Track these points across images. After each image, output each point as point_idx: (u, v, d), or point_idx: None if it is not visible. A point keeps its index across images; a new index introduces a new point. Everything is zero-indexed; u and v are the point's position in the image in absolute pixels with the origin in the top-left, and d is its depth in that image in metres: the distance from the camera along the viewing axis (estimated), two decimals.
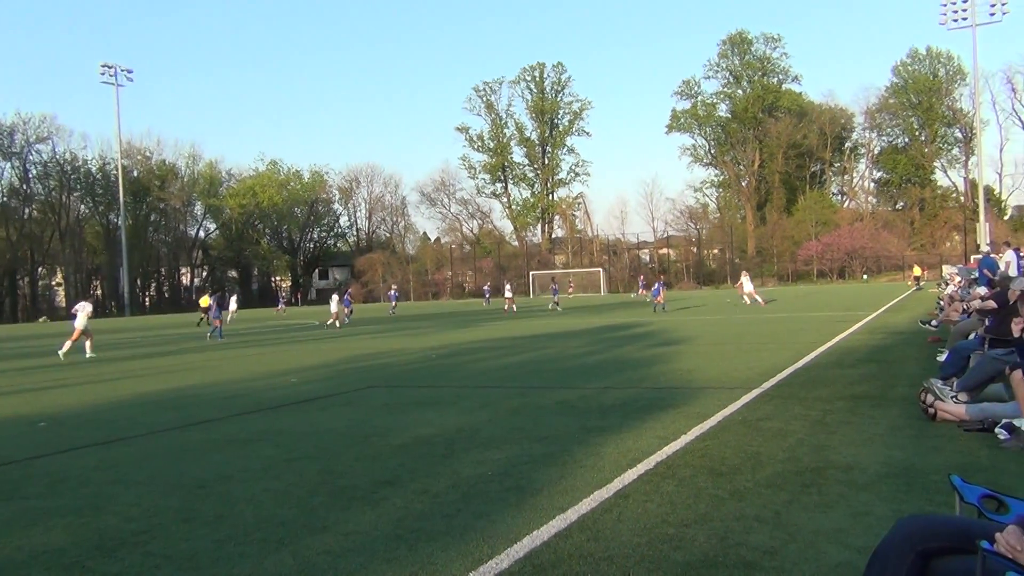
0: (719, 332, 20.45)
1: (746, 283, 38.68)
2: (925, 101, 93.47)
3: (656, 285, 37.74)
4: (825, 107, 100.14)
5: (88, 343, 21.82)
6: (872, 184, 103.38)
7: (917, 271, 60.63)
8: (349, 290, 45.69)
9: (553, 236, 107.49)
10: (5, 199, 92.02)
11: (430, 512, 4.95)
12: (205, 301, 46.61)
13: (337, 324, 33.09)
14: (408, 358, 16.83)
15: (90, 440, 8.30)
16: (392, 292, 52.39)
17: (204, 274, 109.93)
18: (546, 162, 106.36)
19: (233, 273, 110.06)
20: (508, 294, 46.89)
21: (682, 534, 4.29)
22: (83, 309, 22.41)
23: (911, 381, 9.59)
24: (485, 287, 60.08)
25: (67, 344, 21.49)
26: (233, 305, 50.13)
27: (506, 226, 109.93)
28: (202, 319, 42.62)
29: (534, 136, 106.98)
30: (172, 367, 17.41)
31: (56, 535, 4.88)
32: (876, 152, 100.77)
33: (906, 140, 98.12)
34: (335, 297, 34.68)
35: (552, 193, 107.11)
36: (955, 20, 65.19)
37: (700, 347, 16.23)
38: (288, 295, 68.22)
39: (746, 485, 5.23)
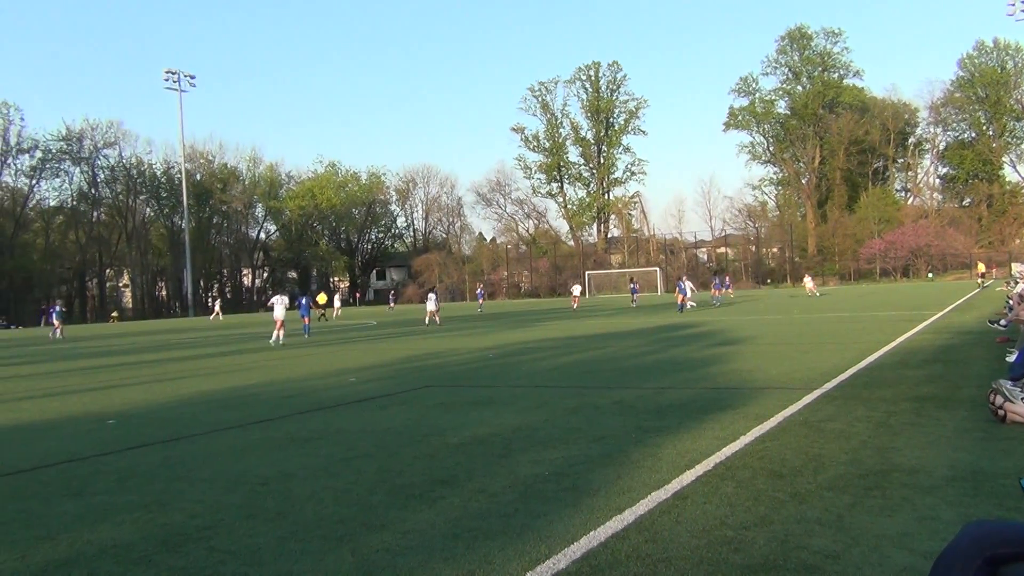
0: (779, 332, 20.16)
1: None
2: (993, 94, 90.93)
3: (679, 283, 38.10)
4: (888, 102, 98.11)
5: (279, 333, 24.96)
6: (937, 180, 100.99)
7: (981, 268, 59.10)
8: (436, 289, 50.37)
9: (609, 236, 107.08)
10: (75, 203, 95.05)
11: (487, 511, 4.97)
12: (323, 298, 51.69)
13: (437, 320, 34.34)
14: (465, 358, 16.92)
15: (156, 438, 8.52)
16: (479, 291, 58.53)
17: (265, 275, 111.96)
18: (602, 161, 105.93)
19: (293, 274, 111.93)
20: (575, 292, 50.68)
21: (741, 536, 4.24)
22: (280, 302, 25.82)
23: (979, 382, 9.34)
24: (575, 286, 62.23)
25: (277, 333, 24.85)
26: (337, 303, 54.59)
27: (562, 226, 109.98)
28: (322, 315, 46.30)
29: (589, 135, 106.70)
30: (234, 367, 17.75)
31: (124, 530, 5.01)
32: (941, 147, 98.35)
33: (973, 135, 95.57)
34: (432, 296, 35.75)
35: (608, 192, 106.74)
36: (1023, 10, 63.32)
37: (759, 347, 16.02)
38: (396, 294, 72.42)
39: (807, 487, 5.15)
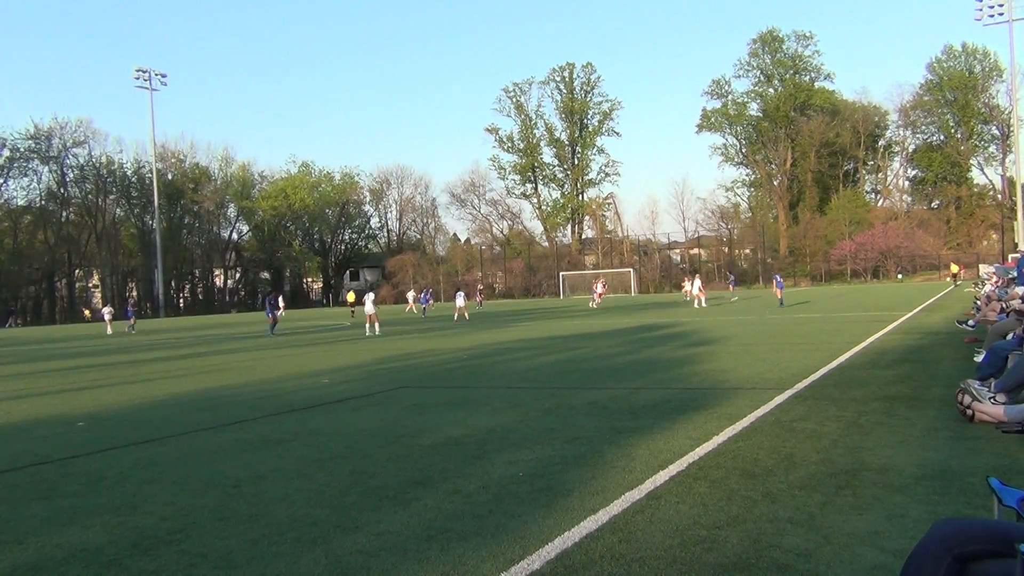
0: (751, 333, 20.29)
1: (598, 288, 46.38)
2: (961, 98, 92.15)
3: (777, 279, 39.02)
4: (858, 105, 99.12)
5: (375, 325, 27.56)
6: (907, 182, 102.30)
7: (954, 268, 60.04)
8: (431, 289, 55.56)
9: (583, 236, 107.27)
10: (43, 202, 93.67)
11: (461, 512, 4.97)
12: (352, 296, 53.64)
13: (467, 316, 37.61)
14: (439, 359, 16.89)
15: (127, 440, 8.42)
16: (479, 290, 61.50)
17: (237, 276, 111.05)
18: (576, 162, 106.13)
19: (266, 275, 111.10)
20: (599, 289, 52.58)
21: (714, 536, 4.27)
22: (369, 298, 28.51)
23: (948, 382, 9.45)
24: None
25: (371, 327, 27.58)
26: (411, 298, 56.53)
27: (536, 227, 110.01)
28: (352, 312, 50.02)
29: (564, 136, 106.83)
30: (206, 368, 17.60)
31: (94, 533, 4.96)
32: (910, 150, 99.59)
33: (941, 138, 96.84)
34: (461, 293, 39.63)
35: (582, 193, 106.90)
36: (991, 15, 64.41)
37: (732, 348, 16.12)
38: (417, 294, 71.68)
39: (779, 487, 5.19)
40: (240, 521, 5.03)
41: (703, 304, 38.78)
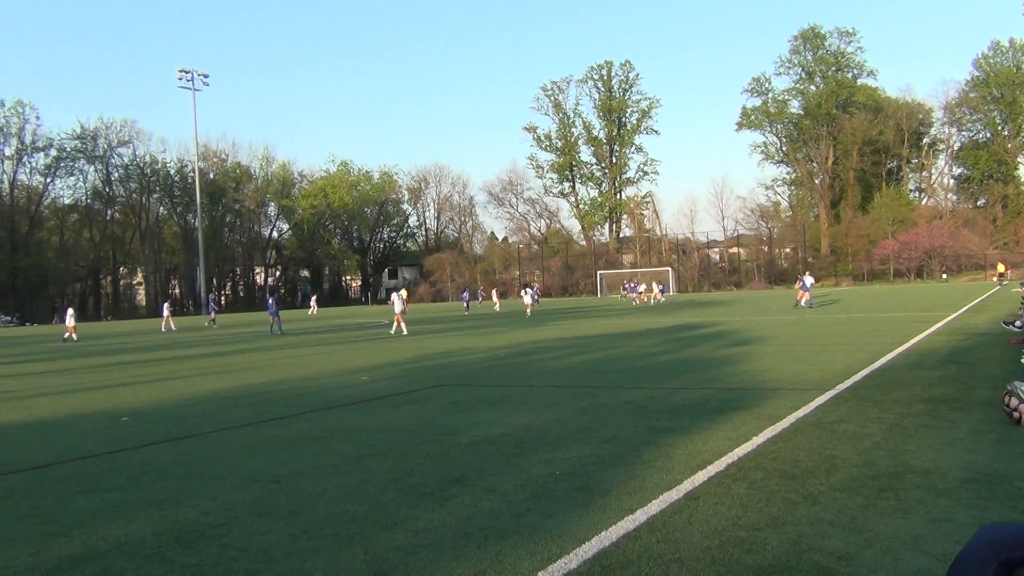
0: (792, 332, 20.07)
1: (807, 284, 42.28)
2: (1008, 95, 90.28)
3: (809, 280, 35.67)
4: (902, 102, 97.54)
5: (401, 325, 27.54)
6: (952, 181, 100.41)
7: (1001, 268, 58.97)
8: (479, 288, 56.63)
9: (621, 235, 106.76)
10: (89, 201, 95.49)
11: (499, 511, 4.97)
12: (404, 294, 54.81)
13: (529, 312, 39.86)
14: (477, 357, 16.92)
15: (169, 435, 8.55)
16: (536, 288, 60.62)
17: (277, 274, 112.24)
18: (614, 161, 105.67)
19: (305, 273, 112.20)
20: (641, 288, 52.55)
21: (754, 537, 4.23)
22: (399, 298, 28.49)
23: (994, 384, 9.28)
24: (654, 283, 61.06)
25: (395, 325, 27.67)
26: (496, 297, 57.44)
27: (574, 225, 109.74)
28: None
29: (602, 135, 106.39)
30: (246, 365, 17.80)
31: (137, 526, 5.04)
32: (956, 148, 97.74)
33: (988, 135, 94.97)
34: (527, 290, 42.20)
35: (620, 192, 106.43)
36: None
37: (772, 348, 15.96)
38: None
39: (820, 489, 5.12)
40: (280, 517, 5.09)
41: (803, 305, 34.35)
